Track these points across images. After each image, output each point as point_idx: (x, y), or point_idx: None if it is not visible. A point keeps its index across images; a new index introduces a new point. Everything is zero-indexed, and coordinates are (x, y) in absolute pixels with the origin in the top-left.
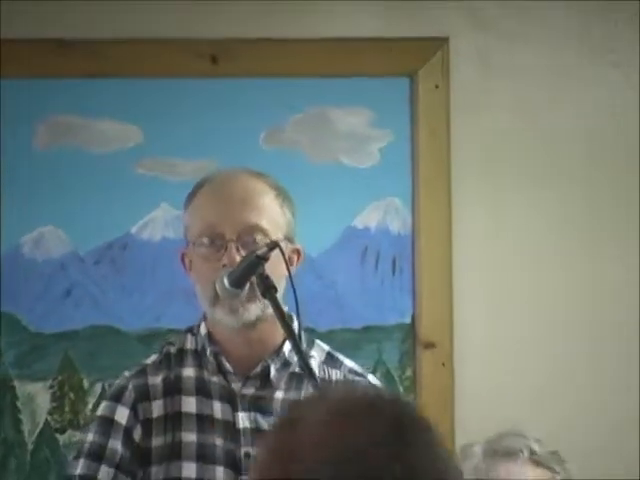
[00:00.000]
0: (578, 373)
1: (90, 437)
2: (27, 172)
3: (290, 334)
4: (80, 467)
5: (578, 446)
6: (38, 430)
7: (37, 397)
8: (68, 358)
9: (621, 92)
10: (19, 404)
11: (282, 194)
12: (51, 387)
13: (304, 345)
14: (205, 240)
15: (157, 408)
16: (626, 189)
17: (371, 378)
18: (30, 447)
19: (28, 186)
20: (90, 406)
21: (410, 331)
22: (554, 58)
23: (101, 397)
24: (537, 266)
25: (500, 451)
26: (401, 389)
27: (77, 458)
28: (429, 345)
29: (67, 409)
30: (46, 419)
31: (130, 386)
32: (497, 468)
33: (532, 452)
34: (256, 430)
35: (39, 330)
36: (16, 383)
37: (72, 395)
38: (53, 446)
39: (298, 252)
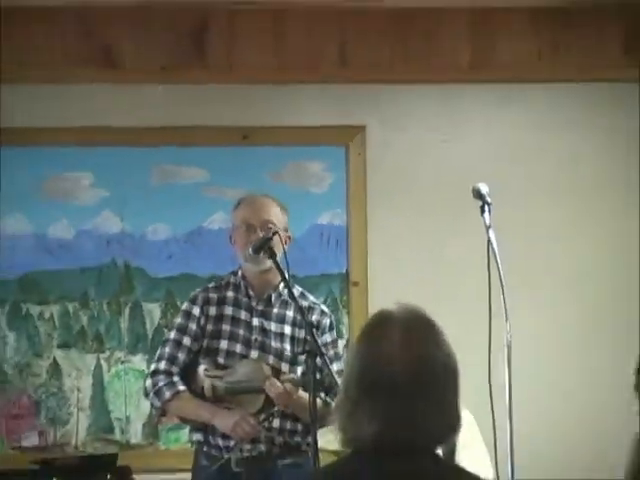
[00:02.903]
0: (448, 296)
1: (178, 320)
2: (146, 196)
3: (284, 279)
4: (172, 334)
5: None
6: (154, 328)
7: (153, 311)
8: (170, 291)
9: (469, 158)
10: (144, 314)
11: (282, 206)
12: (161, 306)
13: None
14: (243, 226)
15: (212, 310)
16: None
17: (323, 307)
18: (150, 337)
19: (148, 203)
20: None
21: (345, 276)
22: (424, 135)
23: None
24: (419, 238)
25: None
26: (341, 307)
27: (170, 330)
28: (355, 284)
29: (169, 317)
30: (158, 322)
31: (200, 296)
32: None
33: None
34: (261, 327)
35: (155, 276)
36: (142, 304)
37: (172, 310)
38: (162, 335)
39: (289, 237)
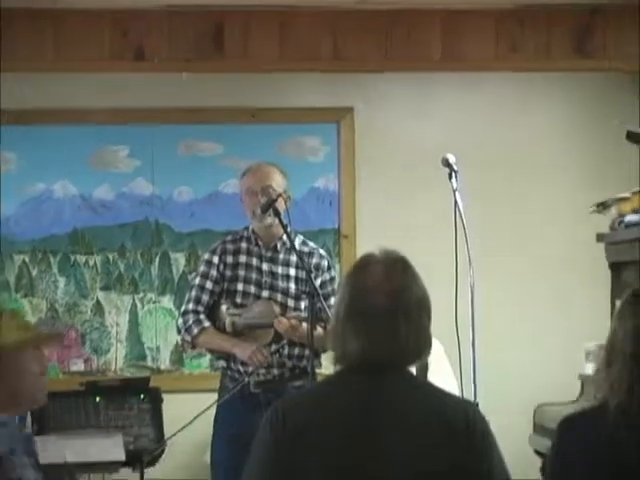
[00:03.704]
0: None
1: (201, 268)
2: (172, 164)
3: (285, 231)
4: (197, 280)
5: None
6: (180, 272)
7: (179, 259)
8: (192, 243)
9: (439, 133)
10: (171, 262)
11: (283, 172)
12: (185, 255)
13: (292, 235)
14: (249, 192)
15: (229, 258)
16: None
17: (322, 251)
18: (176, 281)
19: (174, 171)
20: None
21: (337, 230)
22: (403, 114)
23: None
24: (398, 199)
25: None
26: (334, 256)
27: (195, 277)
28: (345, 236)
29: (192, 264)
30: (183, 269)
31: (219, 247)
32: None
33: None
34: (270, 271)
35: (179, 231)
36: (170, 254)
37: (194, 258)
38: (186, 279)
39: (289, 197)
